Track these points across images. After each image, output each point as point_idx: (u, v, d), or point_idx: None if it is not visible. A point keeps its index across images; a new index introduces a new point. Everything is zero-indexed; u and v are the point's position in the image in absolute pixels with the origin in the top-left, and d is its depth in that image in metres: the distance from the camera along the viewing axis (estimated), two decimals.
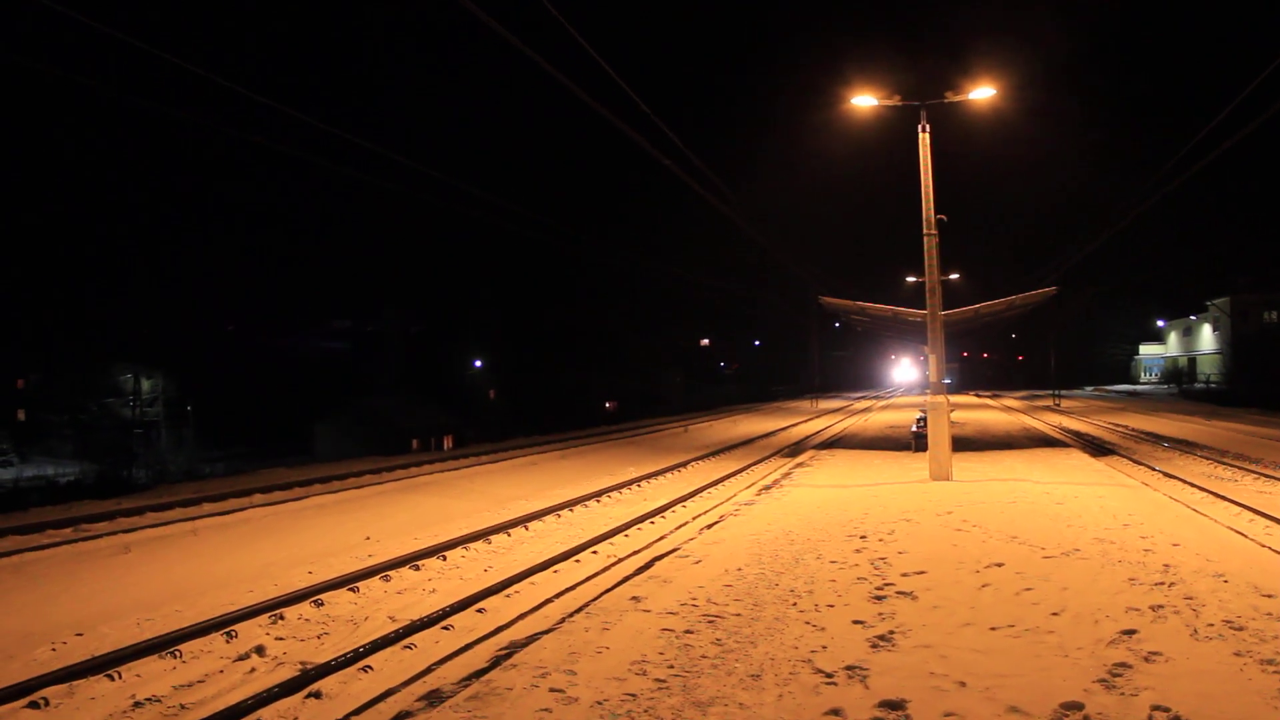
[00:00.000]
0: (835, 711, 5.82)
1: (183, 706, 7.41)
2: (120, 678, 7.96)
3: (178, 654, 8.58)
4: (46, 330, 63.58)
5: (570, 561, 12.78)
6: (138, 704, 7.44)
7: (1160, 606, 8.00)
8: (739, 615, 8.20)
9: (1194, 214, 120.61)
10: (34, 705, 7.33)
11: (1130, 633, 7.25)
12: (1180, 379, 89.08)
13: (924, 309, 19.79)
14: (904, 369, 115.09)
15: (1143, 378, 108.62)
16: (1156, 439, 31.62)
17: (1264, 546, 11.00)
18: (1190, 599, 8.22)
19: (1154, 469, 22.31)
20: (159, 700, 7.53)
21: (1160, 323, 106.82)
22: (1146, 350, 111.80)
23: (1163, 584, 8.85)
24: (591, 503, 18.63)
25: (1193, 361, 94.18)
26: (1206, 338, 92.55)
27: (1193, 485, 18.82)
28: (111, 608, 10.50)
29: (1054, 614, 7.88)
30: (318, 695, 7.49)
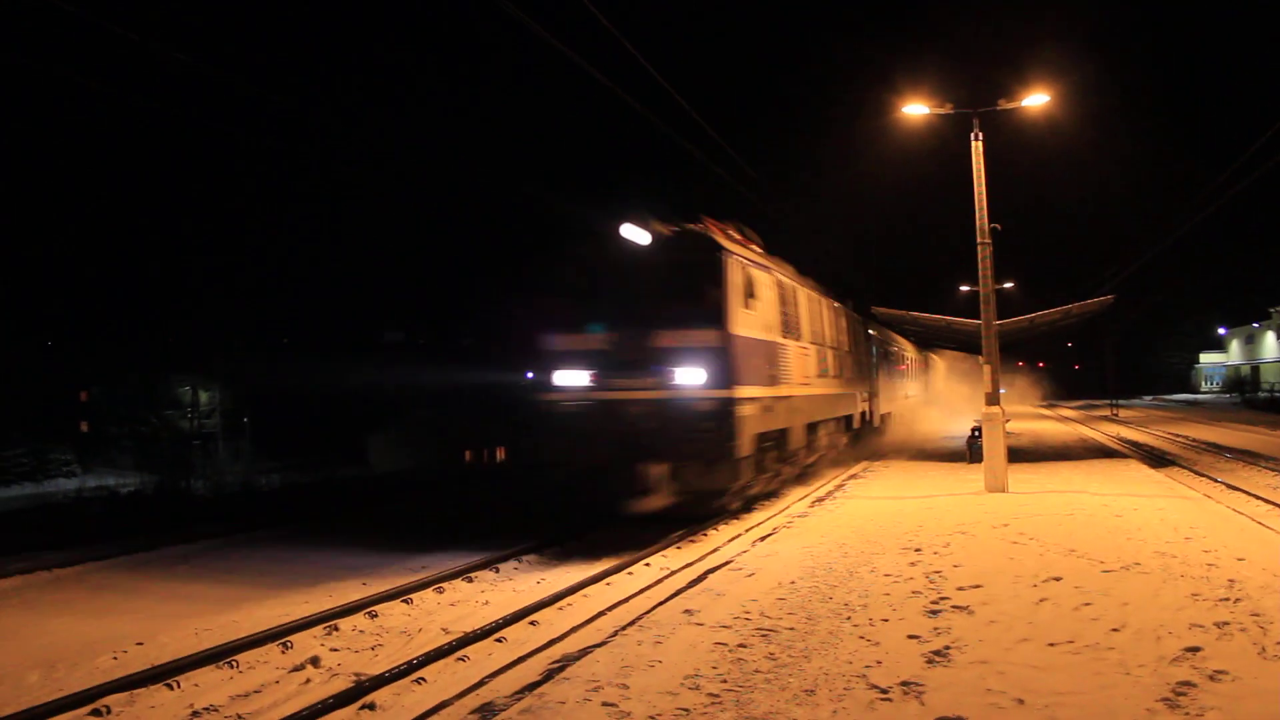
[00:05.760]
0: None
1: (240, 716, 7.50)
2: (179, 687, 8.09)
3: (234, 664, 8.69)
4: (108, 344, 64.97)
5: (623, 574, 12.74)
6: (195, 713, 7.55)
7: (1225, 623, 7.79)
8: (792, 629, 8.13)
9: (1256, 219, 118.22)
10: (96, 713, 7.47)
11: (1194, 650, 7.07)
12: (1243, 388, 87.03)
13: (977, 318, 19.55)
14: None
15: (1203, 387, 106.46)
16: (1218, 449, 30.90)
17: None
18: (1257, 616, 8.00)
19: (1216, 480, 21.79)
20: (216, 710, 7.63)
21: (1221, 330, 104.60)
22: (1207, 359, 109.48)
23: (1228, 600, 8.63)
24: None
25: (1255, 370, 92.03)
26: (1270, 345, 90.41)
27: (1257, 498, 18.32)
28: (171, 617, 10.67)
29: (1114, 630, 7.72)
30: (371, 707, 7.54)
